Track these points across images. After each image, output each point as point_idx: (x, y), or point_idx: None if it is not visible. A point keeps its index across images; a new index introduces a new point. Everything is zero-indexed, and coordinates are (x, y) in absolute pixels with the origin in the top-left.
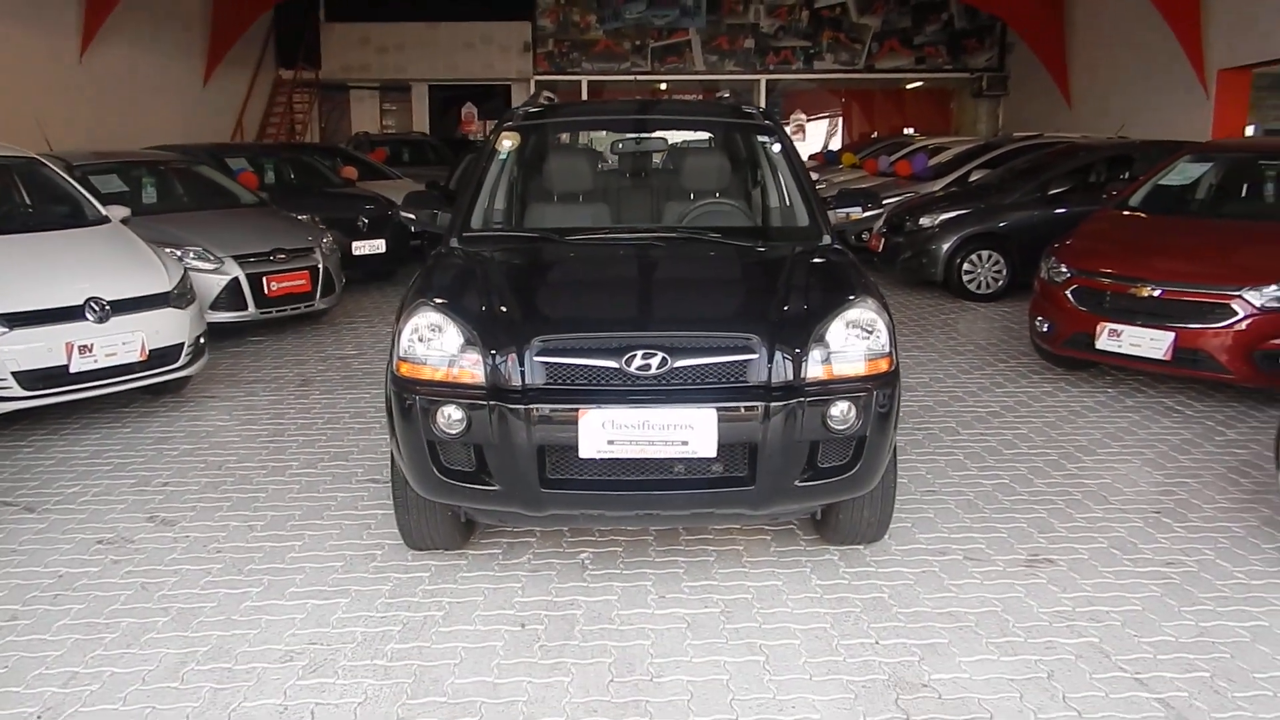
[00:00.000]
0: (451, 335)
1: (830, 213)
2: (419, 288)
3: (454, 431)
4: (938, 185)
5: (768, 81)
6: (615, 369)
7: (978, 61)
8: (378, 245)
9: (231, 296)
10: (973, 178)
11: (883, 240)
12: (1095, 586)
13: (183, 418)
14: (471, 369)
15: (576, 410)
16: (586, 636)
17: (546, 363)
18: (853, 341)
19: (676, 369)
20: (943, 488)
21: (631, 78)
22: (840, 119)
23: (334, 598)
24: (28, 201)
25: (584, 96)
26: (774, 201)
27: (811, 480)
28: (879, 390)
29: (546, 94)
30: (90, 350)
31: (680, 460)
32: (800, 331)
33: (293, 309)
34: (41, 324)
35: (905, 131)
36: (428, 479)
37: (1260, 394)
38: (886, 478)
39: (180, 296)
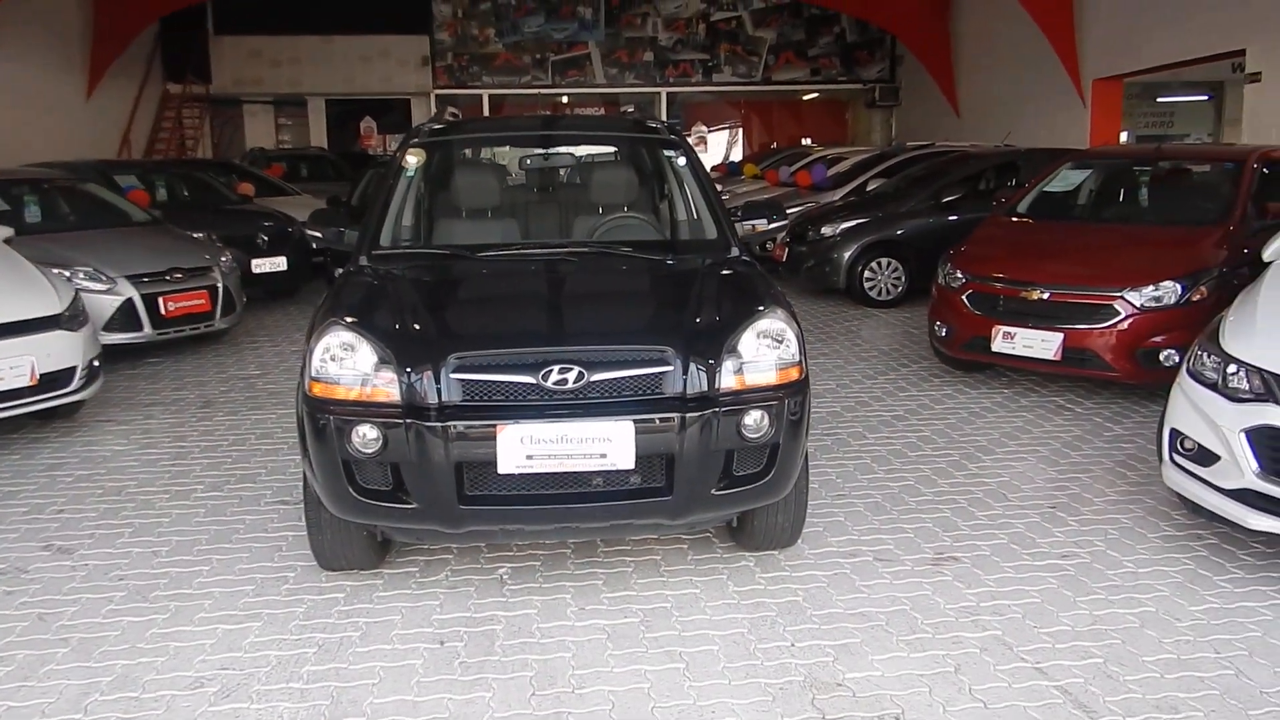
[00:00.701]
0: (365, 354)
1: (737, 225)
2: (329, 306)
3: (369, 451)
4: (837, 195)
5: (668, 94)
6: (532, 384)
7: (870, 73)
8: (278, 262)
9: (126, 317)
10: (870, 187)
11: (786, 250)
12: (997, 581)
13: (76, 443)
14: (386, 387)
15: (494, 426)
16: (507, 651)
17: (463, 380)
18: (764, 351)
19: (594, 382)
20: (852, 491)
21: (533, 91)
22: (741, 130)
23: (245, 622)
24: None
25: (485, 110)
26: (681, 214)
27: (727, 489)
28: (790, 399)
29: (451, 110)
30: None
31: (599, 473)
32: (713, 343)
33: (192, 329)
34: None
35: (803, 142)
36: (343, 499)
37: (1143, 390)
38: (799, 483)
39: (72, 318)
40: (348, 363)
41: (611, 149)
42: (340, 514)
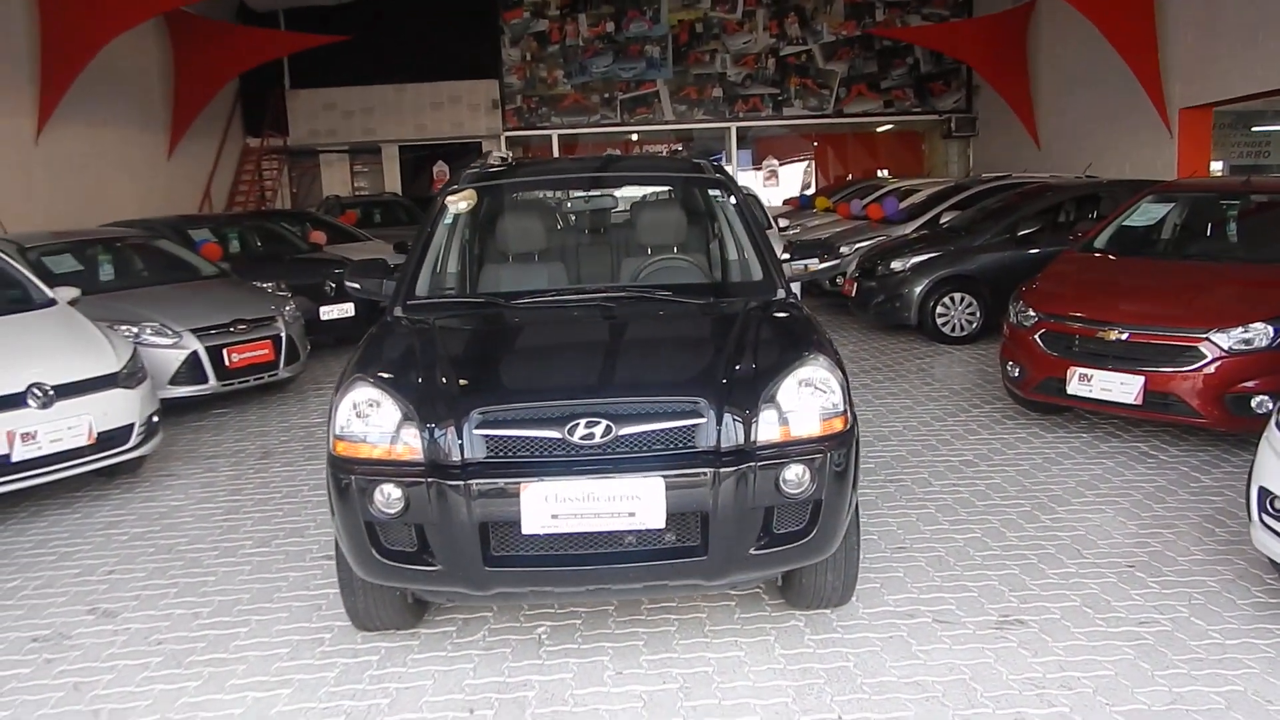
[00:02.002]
0: (389, 410)
1: (787, 265)
2: (357, 361)
3: (393, 511)
4: (909, 228)
5: (737, 129)
6: (558, 439)
7: (945, 104)
8: (346, 309)
9: (191, 370)
10: (943, 219)
11: (855, 284)
12: (1067, 650)
13: (136, 499)
14: (410, 444)
15: (518, 484)
16: (537, 719)
17: (486, 435)
18: (805, 401)
19: (622, 437)
20: (914, 544)
21: (602, 130)
22: (813, 163)
23: (276, 688)
24: None
25: (555, 150)
26: (728, 256)
27: (767, 548)
28: (834, 451)
29: (499, 154)
30: (34, 437)
31: (631, 532)
32: (750, 393)
33: (256, 379)
34: None
35: (879, 174)
36: (368, 561)
37: (1234, 437)
38: (849, 539)
39: (130, 376)
40: (372, 420)
41: (659, 190)
42: (366, 576)
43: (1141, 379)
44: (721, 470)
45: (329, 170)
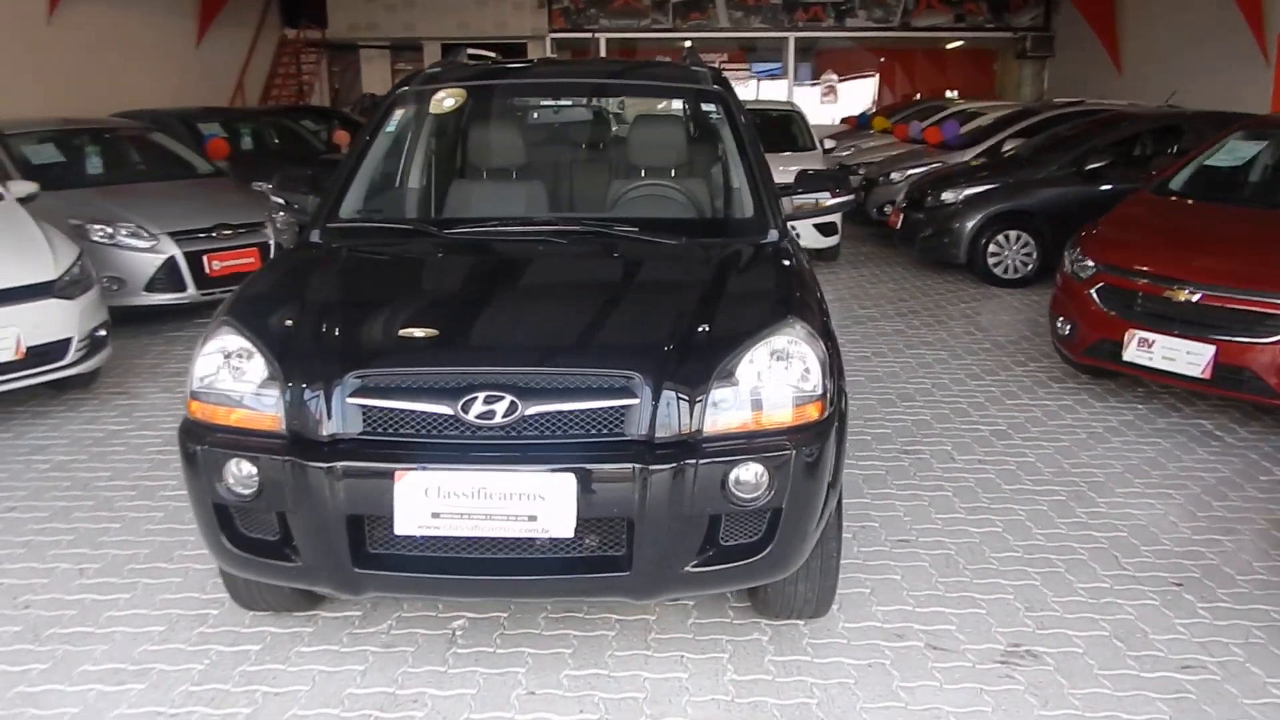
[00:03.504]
0: (256, 366)
1: (791, 199)
2: (234, 298)
3: (245, 492)
4: (969, 155)
5: (797, 40)
6: (449, 416)
7: (1021, 21)
8: None
9: (169, 276)
10: (1006, 148)
11: (902, 216)
12: (1085, 700)
13: (75, 420)
14: (270, 411)
15: (393, 471)
16: None
17: (363, 406)
18: (772, 380)
19: (529, 418)
20: (920, 536)
21: (652, 35)
22: (876, 81)
23: (129, 681)
24: None
25: (602, 54)
26: (717, 186)
27: (710, 564)
28: (804, 447)
29: (471, 54)
30: None
31: (515, 540)
32: (700, 367)
33: None
34: None
35: (948, 95)
36: (219, 550)
37: None
38: (826, 547)
39: (71, 285)
40: (236, 376)
41: (643, 102)
42: (221, 565)
43: (1212, 349)
44: (651, 467)
45: (369, 67)
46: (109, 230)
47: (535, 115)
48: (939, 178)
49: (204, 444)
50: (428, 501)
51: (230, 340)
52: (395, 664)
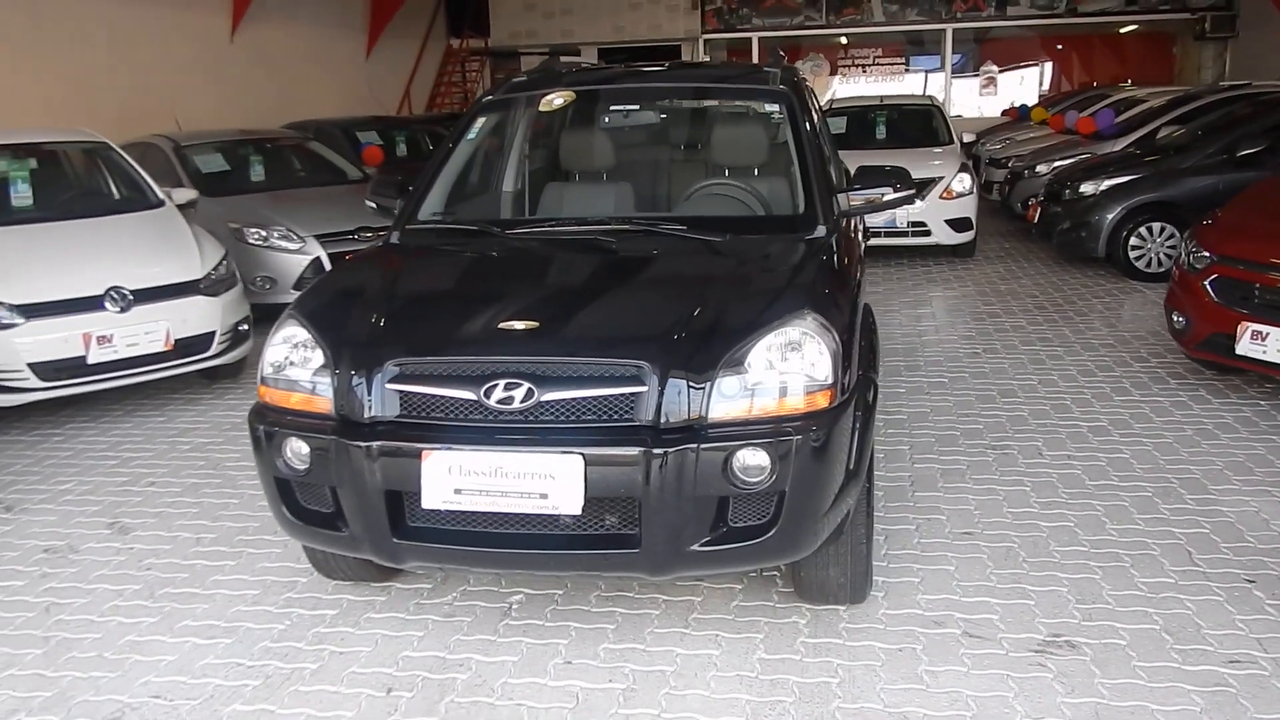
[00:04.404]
0: (315, 355)
1: (848, 195)
2: (306, 293)
3: (300, 468)
4: (1122, 144)
5: (955, 31)
6: (474, 401)
7: (1200, 0)
8: None
9: (315, 276)
10: (1161, 135)
11: (1040, 209)
12: (1114, 690)
13: (220, 407)
14: (323, 395)
15: (420, 450)
16: (451, 710)
17: (400, 391)
18: (779, 369)
19: (545, 403)
20: (986, 529)
21: (805, 32)
22: (1042, 70)
23: (219, 637)
24: (85, 186)
25: (754, 55)
26: (776, 184)
27: (718, 543)
28: (810, 433)
29: (568, 61)
30: (110, 340)
31: (536, 516)
32: (708, 356)
33: None
34: (60, 314)
35: (1123, 83)
36: (281, 519)
37: None
38: (855, 533)
39: (216, 283)
40: (298, 364)
41: (708, 105)
42: (286, 534)
43: None
44: (654, 450)
45: None
46: (263, 233)
47: (606, 119)
48: (1079, 169)
49: (267, 424)
50: (451, 479)
51: (295, 332)
52: (451, 631)
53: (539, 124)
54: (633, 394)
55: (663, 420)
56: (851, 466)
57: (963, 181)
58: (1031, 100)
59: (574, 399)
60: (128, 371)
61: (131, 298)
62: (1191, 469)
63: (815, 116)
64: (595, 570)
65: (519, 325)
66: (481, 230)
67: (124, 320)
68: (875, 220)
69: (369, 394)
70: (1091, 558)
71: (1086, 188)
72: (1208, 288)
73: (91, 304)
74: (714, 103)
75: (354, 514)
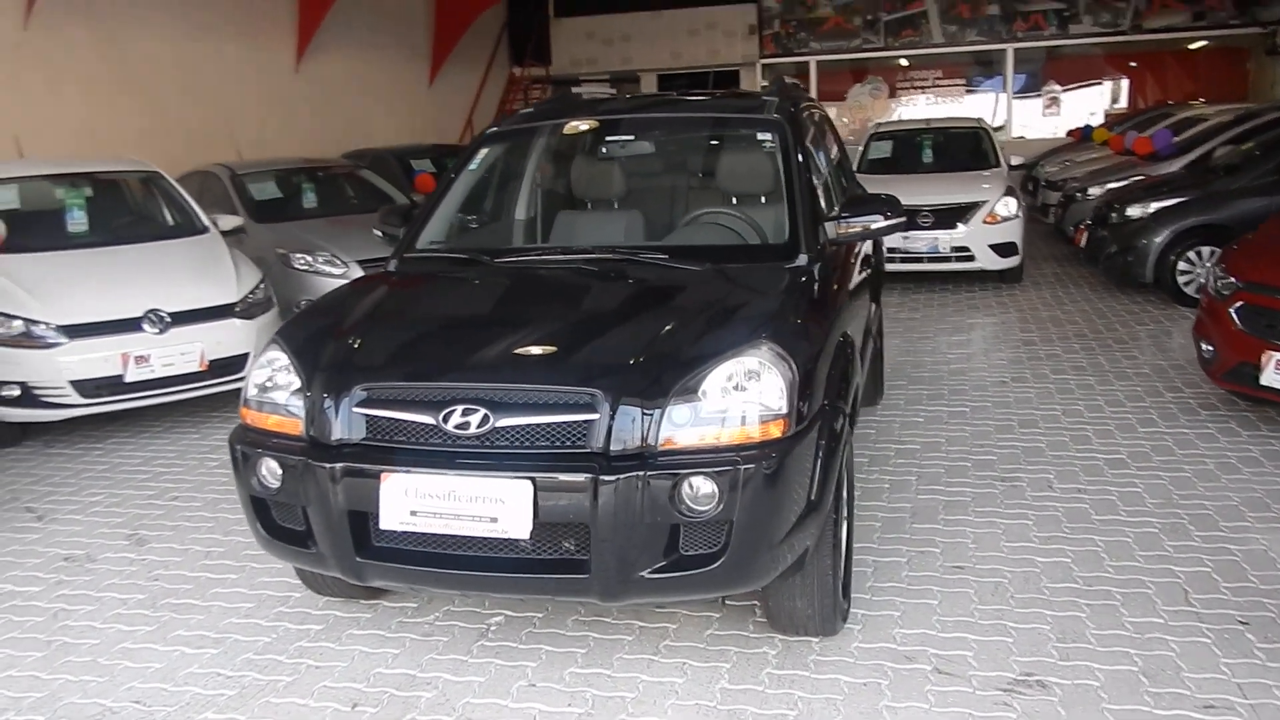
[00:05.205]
0: (291, 378)
1: (838, 223)
2: (293, 318)
3: (272, 488)
4: (1178, 165)
5: (1016, 51)
6: (432, 426)
7: (1271, 14)
8: None
9: None
10: (1216, 154)
11: (1087, 233)
12: None
13: None
14: (295, 417)
15: (379, 473)
16: None
17: (366, 415)
18: (733, 398)
19: (500, 429)
20: (978, 563)
21: (863, 55)
22: (1107, 89)
23: (207, 647)
24: (135, 213)
25: (812, 79)
26: (762, 213)
27: (668, 570)
28: (761, 462)
29: (594, 89)
30: (147, 360)
31: (491, 540)
32: (659, 385)
33: None
34: (101, 335)
35: (1195, 102)
36: (258, 536)
37: None
38: (820, 565)
39: (252, 307)
40: (277, 387)
41: (702, 135)
42: (263, 550)
43: None
44: (602, 477)
45: None
46: (309, 258)
47: (604, 150)
48: (1128, 191)
49: (246, 444)
50: (407, 501)
51: (276, 356)
52: (426, 650)
53: (539, 155)
54: (585, 421)
55: (613, 447)
56: (813, 497)
57: (1008, 205)
58: (1099, 120)
59: (528, 425)
60: (163, 390)
61: (169, 319)
62: (1205, 504)
63: (812, 145)
64: (546, 594)
65: (483, 352)
66: (471, 259)
67: (161, 341)
68: (918, 246)
69: (337, 417)
70: (1082, 595)
71: (1134, 210)
72: (1233, 315)
73: (131, 325)
74: (707, 133)
75: (321, 532)
